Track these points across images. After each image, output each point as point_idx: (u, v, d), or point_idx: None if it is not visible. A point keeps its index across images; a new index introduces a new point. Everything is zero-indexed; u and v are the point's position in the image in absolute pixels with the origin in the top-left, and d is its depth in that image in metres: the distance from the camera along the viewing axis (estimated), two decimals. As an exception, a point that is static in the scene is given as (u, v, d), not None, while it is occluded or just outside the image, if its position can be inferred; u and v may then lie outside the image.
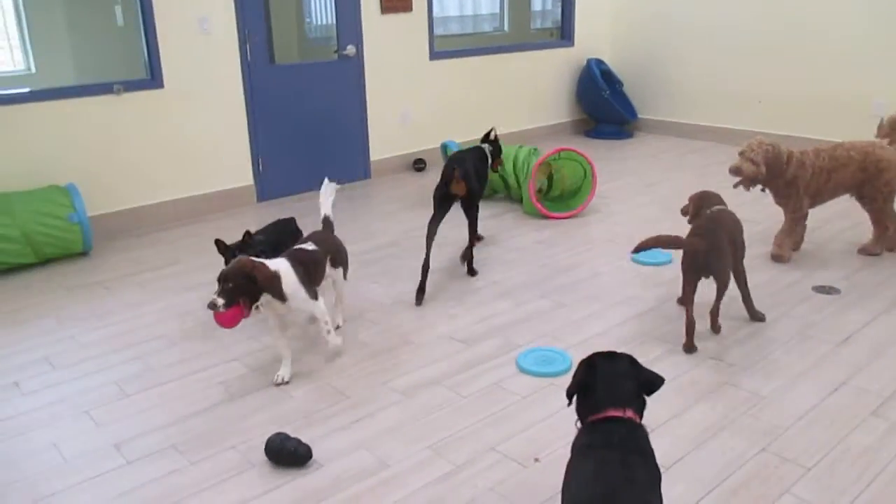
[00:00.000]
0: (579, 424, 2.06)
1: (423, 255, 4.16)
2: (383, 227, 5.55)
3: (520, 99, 8.15)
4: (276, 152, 6.36)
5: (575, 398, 2.08)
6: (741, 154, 4.36)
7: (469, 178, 4.31)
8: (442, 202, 4.31)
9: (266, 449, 2.79)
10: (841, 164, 4.48)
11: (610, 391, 1.99)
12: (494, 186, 6.12)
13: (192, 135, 5.87)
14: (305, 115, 6.47)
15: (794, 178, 4.39)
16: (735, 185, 4.41)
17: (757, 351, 3.52)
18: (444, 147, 6.49)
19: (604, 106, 8.31)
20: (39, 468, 2.81)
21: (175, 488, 2.67)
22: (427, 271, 4.17)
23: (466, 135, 7.44)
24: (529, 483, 2.63)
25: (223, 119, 6.00)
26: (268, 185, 6.37)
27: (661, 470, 2.63)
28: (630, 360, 2.09)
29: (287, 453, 2.74)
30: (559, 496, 1.94)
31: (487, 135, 4.93)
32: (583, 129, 8.76)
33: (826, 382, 3.23)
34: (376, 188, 6.65)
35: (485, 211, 5.85)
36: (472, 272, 4.55)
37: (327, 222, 3.88)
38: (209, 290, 3.51)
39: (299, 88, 6.39)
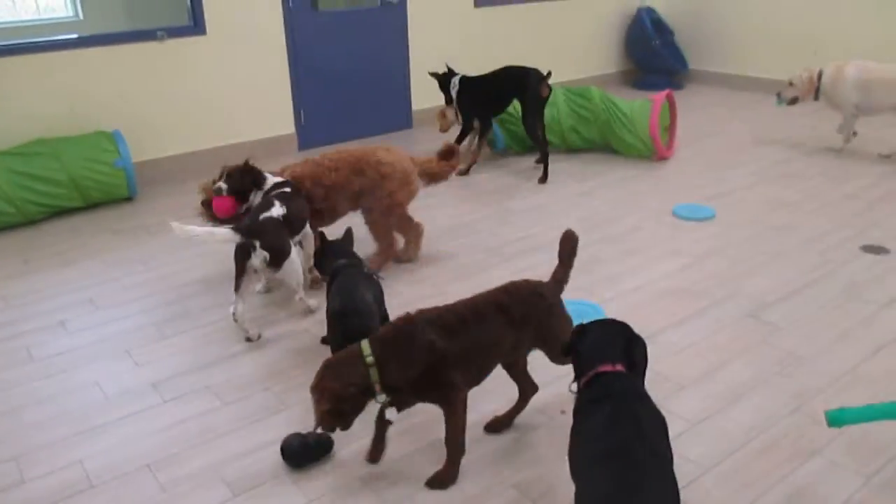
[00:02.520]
0: (574, 388, 2.12)
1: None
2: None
3: (566, 49, 7.95)
4: (317, 100, 6.35)
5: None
6: None
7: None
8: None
9: (285, 455, 2.53)
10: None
11: (599, 350, 2.07)
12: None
13: (235, 82, 5.89)
14: (347, 62, 6.43)
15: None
16: None
17: (797, 310, 3.43)
18: None
19: (653, 56, 8.07)
20: (83, 403, 2.92)
21: (210, 426, 2.75)
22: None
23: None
24: (555, 435, 2.63)
25: (265, 66, 6.00)
26: (309, 133, 6.38)
27: (689, 426, 2.63)
28: (621, 325, 2.17)
29: (309, 449, 2.54)
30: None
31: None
32: (630, 80, 8.53)
33: (867, 345, 3.14)
34: (418, 137, 6.61)
35: (527, 161, 5.79)
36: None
37: None
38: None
39: (342, 36, 6.34)
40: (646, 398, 1.96)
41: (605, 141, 5.90)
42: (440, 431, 2.40)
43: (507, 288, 2.56)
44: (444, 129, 5.79)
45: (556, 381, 2.95)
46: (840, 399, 2.77)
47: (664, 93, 5.62)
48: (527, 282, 2.60)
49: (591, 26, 8.12)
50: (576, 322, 3.31)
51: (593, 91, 5.84)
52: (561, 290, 2.66)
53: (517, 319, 2.46)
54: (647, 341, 2.16)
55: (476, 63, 7.14)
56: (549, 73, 5.26)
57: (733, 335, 3.25)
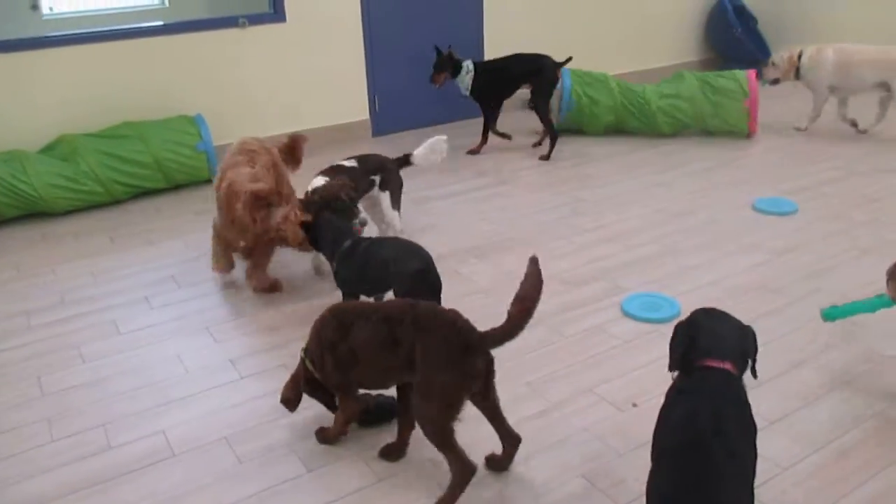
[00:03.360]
0: (675, 374, 2.03)
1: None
2: (495, 167, 5.53)
3: (646, 36, 7.78)
4: (392, 86, 6.41)
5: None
6: None
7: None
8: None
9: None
10: None
11: (712, 342, 1.98)
12: (625, 125, 6.14)
13: (312, 68, 6.00)
14: (423, 48, 6.44)
15: None
16: None
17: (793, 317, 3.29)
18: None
19: (734, 44, 7.82)
20: (165, 376, 3.04)
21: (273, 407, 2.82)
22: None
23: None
24: (625, 427, 2.61)
25: (342, 52, 6.09)
26: (383, 119, 6.44)
27: (767, 424, 2.56)
28: (732, 318, 2.09)
29: (370, 412, 2.65)
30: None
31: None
32: (711, 69, 8.24)
33: None
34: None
35: (607, 147, 5.72)
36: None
37: (405, 159, 3.98)
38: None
39: (417, 20, 6.36)
40: (741, 402, 1.88)
41: (697, 116, 5.89)
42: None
43: (427, 314, 2.27)
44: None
45: (628, 373, 2.92)
46: (928, 403, 2.65)
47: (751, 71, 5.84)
48: (455, 320, 2.25)
49: (672, 13, 7.92)
50: (647, 314, 3.30)
51: (684, 74, 6.05)
52: (499, 344, 2.20)
53: (403, 346, 2.25)
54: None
55: (552, 48, 7.08)
56: (570, 58, 5.60)
57: (813, 333, 3.14)
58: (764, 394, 2.74)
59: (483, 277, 3.78)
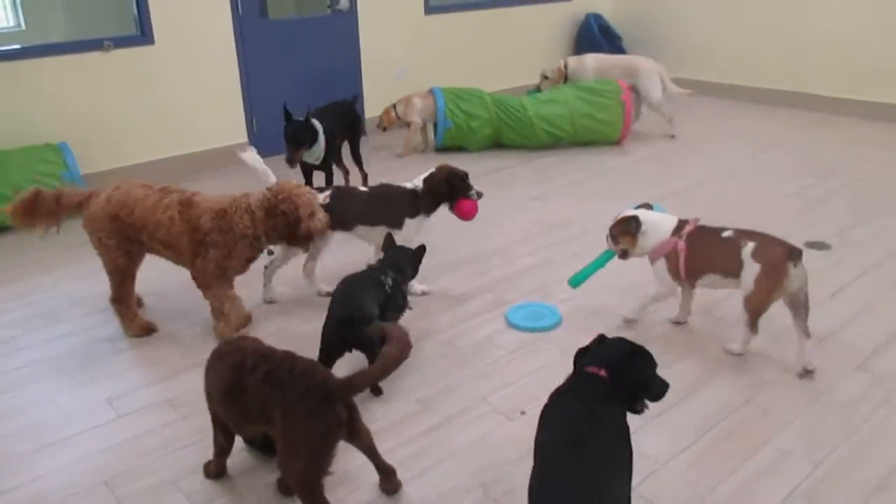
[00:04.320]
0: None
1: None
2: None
3: (517, 55, 8.05)
4: (270, 109, 6.31)
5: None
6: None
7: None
8: None
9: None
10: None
11: (596, 355, 2.14)
12: (503, 138, 6.32)
13: (185, 92, 5.83)
14: (299, 70, 6.41)
15: None
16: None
17: (733, 306, 3.53)
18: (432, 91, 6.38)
19: (602, 61, 8.22)
20: (39, 419, 2.86)
21: (168, 440, 2.71)
22: None
23: (462, 91, 7.37)
24: (515, 434, 2.67)
25: (216, 75, 5.95)
26: (262, 141, 6.33)
27: (647, 420, 2.69)
28: (629, 344, 2.19)
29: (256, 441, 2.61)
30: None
31: None
32: (580, 85, 8.67)
33: (813, 336, 3.25)
34: (373, 144, 6.61)
35: (486, 163, 5.85)
36: None
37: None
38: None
39: (293, 44, 6.32)
40: (614, 404, 2.03)
41: (574, 128, 6.15)
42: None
43: (282, 365, 2.19)
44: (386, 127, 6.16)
45: (515, 381, 3.00)
46: (787, 393, 2.87)
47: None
48: (312, 370, 2.17)
49: (541, 32, 8.24)
50: (531, 324, 3.41)
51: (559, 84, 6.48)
52: (363, 388, 2.20)
53: (251, 396, 2.18)
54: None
55: (429, 70, 7.22)
56: (356, 96, 5.50)
57: (684, 332, 3.34)
58: (643, 392, 2.88)
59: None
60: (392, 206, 3.67)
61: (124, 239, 3.30)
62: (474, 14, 7.56)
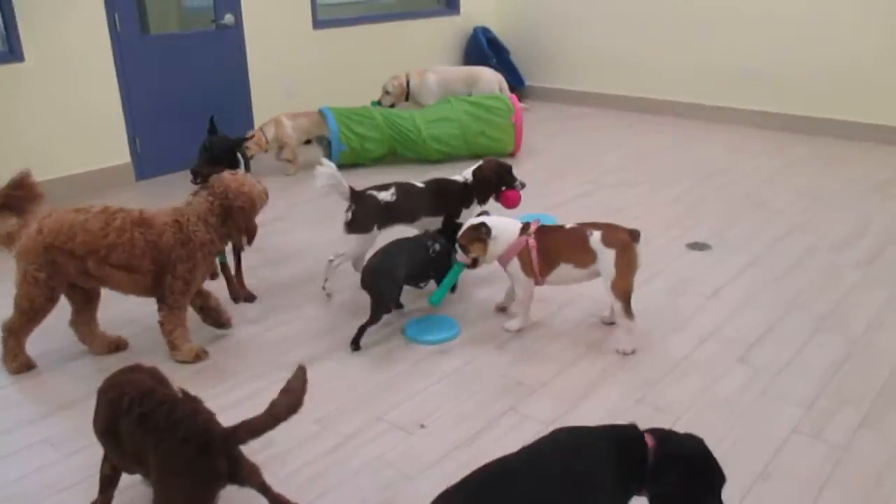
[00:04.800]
0: None
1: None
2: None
3: (407, 69, 8.07)
4: (154, 127, 6.08)
5: None
6: None
7: None
8: None
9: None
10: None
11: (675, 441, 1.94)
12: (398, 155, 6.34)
13: (60, 111, 5.53)
14: (184, 88, 6.20)
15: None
16: None
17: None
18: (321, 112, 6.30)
19: (491, 74, 8.37)
20: None
21: (49, 482, 2.55)
22: None
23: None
24: (415, 450, 2.65)
25: (94, 93, 5.68)
26: (147, 162, 6.09)
27: (545, 427, 2.73)
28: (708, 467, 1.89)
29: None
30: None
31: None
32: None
33: (697, 334, 3.41)
34: (264, 163, 6.47)
35: (378, 179, 5.82)
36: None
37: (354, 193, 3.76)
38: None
39: (177, 60, 6.12)
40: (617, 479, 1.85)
41: (465, 137, 6.22)
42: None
43: (160, 408, 2.02)
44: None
45: (414, 395, 2.99)
46: (676, 389, 2.99)
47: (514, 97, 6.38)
48: (194, 415, 2.03)
49: (431, 46, 8.32)
50: (429, 336, 3.41)
51: (450, 99, 6.41)
52: (251, 438, 2.00)
53: (125, 440, 2.06)
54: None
55: (318, 85, 7.14)
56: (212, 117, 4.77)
57: (580, 335, 3.43)
58: (544, 396, 2.93)
59: (264, 315, 3.69)
60: (449, 197, 3.93)
61: (57, 271, 3.05)
62: (364, 28, 7.55)
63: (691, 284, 3.92)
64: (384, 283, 3.31)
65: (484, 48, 8.27)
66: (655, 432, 1.89)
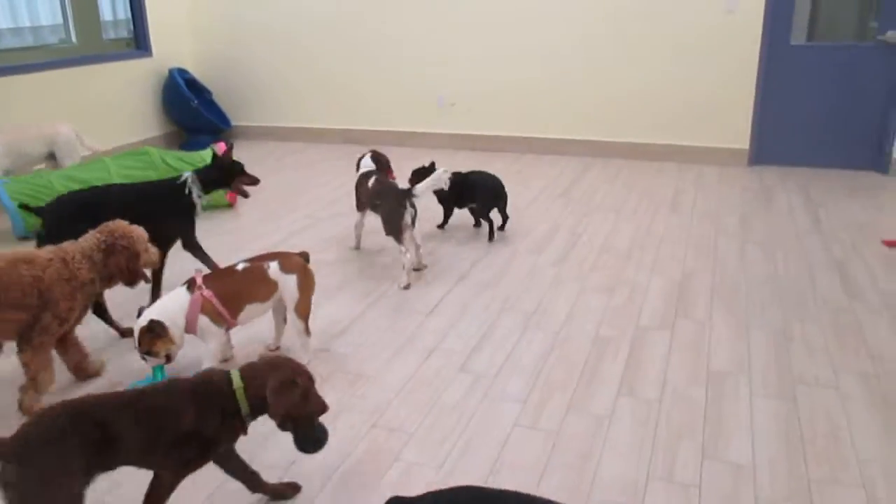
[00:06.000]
0: None
1: None
2: None
3: (100, 115, 7.51)
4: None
5: None
6: None
7: None
8: None
9: None
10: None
11: None
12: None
13: None
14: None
15: None
16: None
17: (359, 335, 3.74)
18: None
19: (195, 116, 8.06)
20: None
21: None
22: None
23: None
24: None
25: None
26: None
27: (284, 469, 2.66)
28: None
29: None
30: None
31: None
32: (177, 142, 8.41)
33: (420, 351, 3.57)
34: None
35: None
36: None
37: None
38: None
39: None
40: None
41: None
42: None
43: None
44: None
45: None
46: (406, 407, 3.09)
47: (221, 144, 5.83)
48: None
49: (126, 90, 7.81)
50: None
51: (150, 150, 5.78)
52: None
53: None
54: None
55: None
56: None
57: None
58: (281, 438, 2.86)
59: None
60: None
61: None
62: (54, 74, 6.89)
63: (411, 304, 4.09)
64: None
65: (182, 90, 7.95)
66: None
